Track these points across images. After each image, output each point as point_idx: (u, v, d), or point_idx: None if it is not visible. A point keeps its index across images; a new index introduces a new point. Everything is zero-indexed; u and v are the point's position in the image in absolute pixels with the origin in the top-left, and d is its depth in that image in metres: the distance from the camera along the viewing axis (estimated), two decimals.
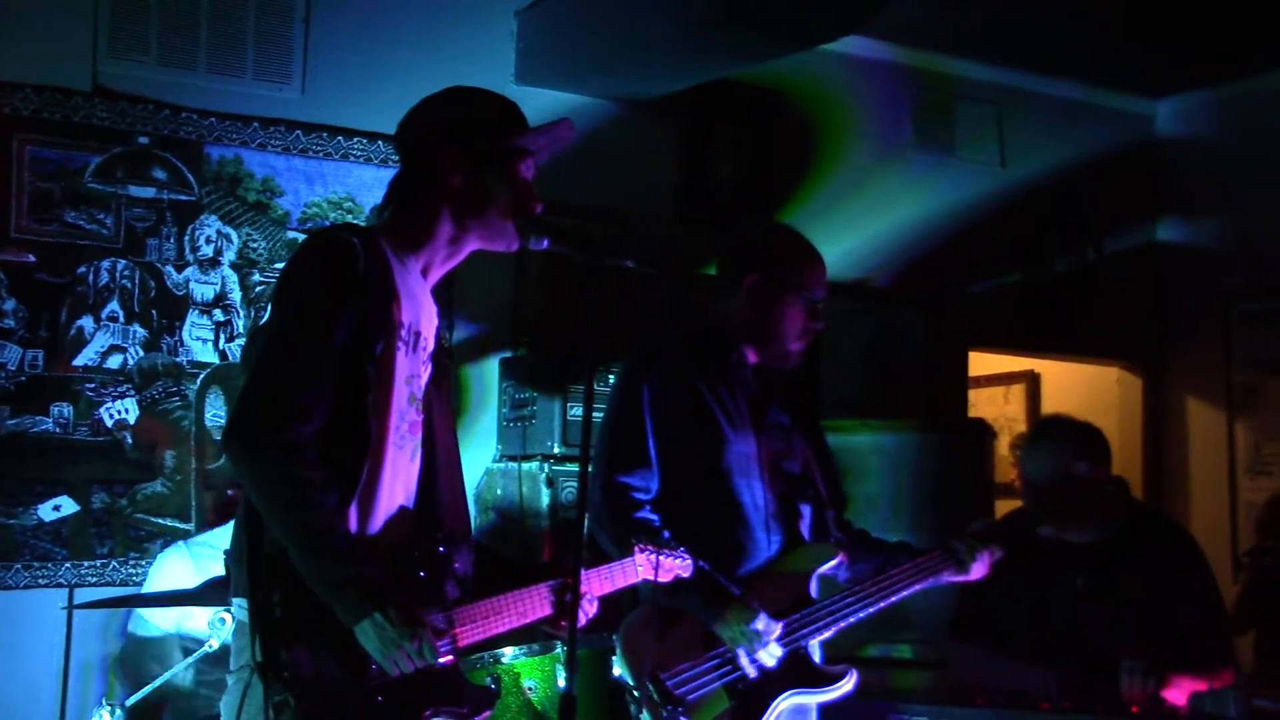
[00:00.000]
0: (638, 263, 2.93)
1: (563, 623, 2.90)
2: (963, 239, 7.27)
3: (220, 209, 5.46)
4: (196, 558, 4.71)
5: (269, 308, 2.83)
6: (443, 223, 2.91)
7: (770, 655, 3.50)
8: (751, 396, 3.80)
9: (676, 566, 3.30)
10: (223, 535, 4.76)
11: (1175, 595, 4.24)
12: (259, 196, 5.55)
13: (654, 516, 3.59)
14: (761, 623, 3.48)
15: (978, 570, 3.78)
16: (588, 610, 3.01)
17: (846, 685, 3.60)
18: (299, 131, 5.64)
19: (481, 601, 2.88)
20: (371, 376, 2.74)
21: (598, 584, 3.13)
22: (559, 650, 4.07)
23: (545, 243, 2.90)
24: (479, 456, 5.73)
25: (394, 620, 2.60)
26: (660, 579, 3.26)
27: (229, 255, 5.47)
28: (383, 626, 2.59)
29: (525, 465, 5.49)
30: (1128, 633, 4.15)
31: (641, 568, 3.22)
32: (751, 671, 3.49)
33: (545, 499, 5.35)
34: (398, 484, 2.85)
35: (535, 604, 2.93)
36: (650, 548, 3.24)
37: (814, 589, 3.70)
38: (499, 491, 5.60)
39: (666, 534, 3.52)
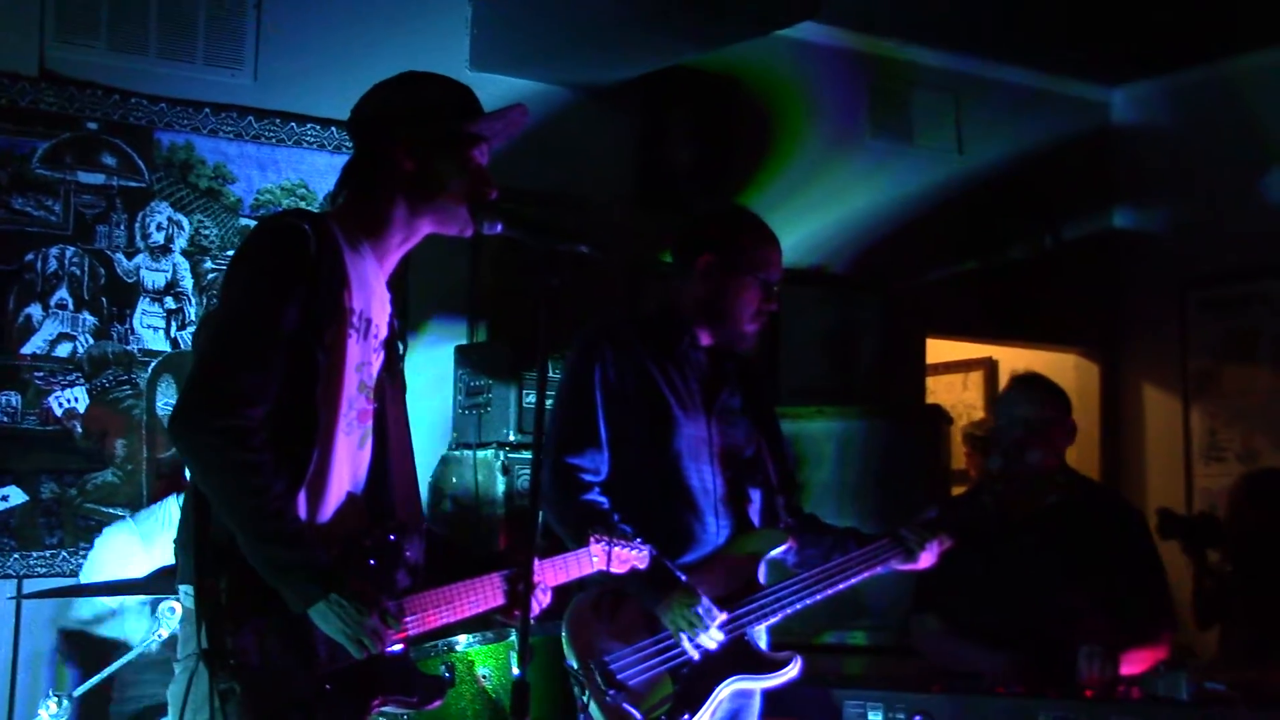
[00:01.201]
0: (593, 249, 2.92)
1: (516, 612, 2.90)
2: (920, 226, 7.30)
3: (171, 196, 5.43)
4: (145, 533, 4.71)
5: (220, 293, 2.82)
6: (396, 208, 2.91)
7: (711, 639, 3.51)
8: (703, 379, 3.81)
9: (633, 558, 3.30)
10: (167, 507, 4.76)
11: (1120, 560, 4.34)
12: (211, 183, 5.51)
13: (603, 499, 3.61)
14: (703, 607, 3.50)
15: (926, 560, 3.80)
16: (541, 600, 3.00)
17: (791, 671, 3.61)
18: (251, 117, 5.61)
19: (433, 590, 2.87)
20: (321, 363, 2.73)
21: (551, 574, 3.12)
22: (513, 638, 4.08)
23: (499, 227, 2.90)
24: (434, 444, 5.71)
25: (350, 598, 2.60)
26: (615, 570, 3.26)
27: (180, 242, 5.44)
28: (341, 605, 2.59)
29: (480, 453, 5.48)
30: (1080, 602, 4.21)
31: (597, 559, 3.22)
32: (695, 654, 3.51)
33: (500, 487, 5.35)
34: (347, 472, 2.85)
35: (488, 594, 2.92)
36: (606, 538, 3.24)
37: (762, 575, 3.71)
38: (454, 479, 5.60)
39: (616, 516, 3.55)
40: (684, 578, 3.56)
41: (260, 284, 2.71)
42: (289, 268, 2.71)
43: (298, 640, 2.62)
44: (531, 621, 2.75)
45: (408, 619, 2.80)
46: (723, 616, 3.53)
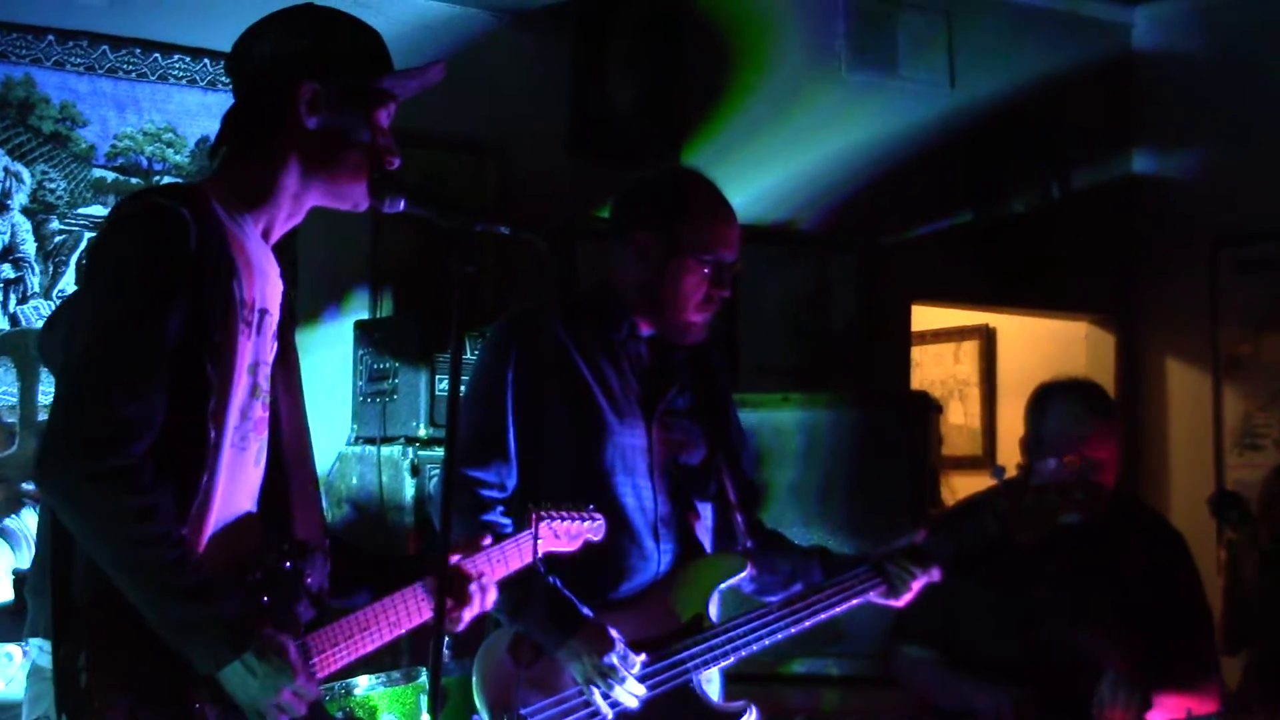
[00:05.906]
0: (516, 228, 2.91)
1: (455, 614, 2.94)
2: (905, 173, 7.32)
3: (8, 142, 5.38)
4: None
5: (79, 289, 2.76)
6: (288, 174, 2.86)
7: (630, 694, 3.49)
8: (645, 375, 3.79)
9: (585, 530, 3.31)
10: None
11: (1157, 595, 4.34)
12: (56, 126, 5.46)
13: (506, 521, 3.58)
14: (618, 654, 3.49)
15: (909, 596, 3.81)
16: (484, 601, 3.01)
17: None
18: (105, 47, 5.56)
19: (343, 620, 2.86)
20: (210, 373, 2.68)
21: (491, 567, 3.11)
22: (423, 679, 4.09)
23: (401, 204, 2.88)
24: (330, 438, 5.68)
25: (265, 660, 2.59)
26: (567, 548, 3.27)
27: (20, 198, 5.39)
28: (252, 671, 2.57)
29: (385, 449, 5.47)
30: (1103, 638, 4.24)
31: (542, 539, 3.21)
32: (609, 713, 3.49)
33: (409, 490, 5.34)
34: (237, 494, 2.81)
35: (409, 610, 2.92)
36: (550, 514, 3.23)
37: (714, 609, 3.70)
38: (354, 481, 5.58)
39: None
40: (589, 612, 3.54)
41: (135, 290, 2.64)
42: (168, 267, 2.64)
43: (178, 715, 2.60)
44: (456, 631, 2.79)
45: (315, 659, 2.78)
46: (641, 658, 3.52)
